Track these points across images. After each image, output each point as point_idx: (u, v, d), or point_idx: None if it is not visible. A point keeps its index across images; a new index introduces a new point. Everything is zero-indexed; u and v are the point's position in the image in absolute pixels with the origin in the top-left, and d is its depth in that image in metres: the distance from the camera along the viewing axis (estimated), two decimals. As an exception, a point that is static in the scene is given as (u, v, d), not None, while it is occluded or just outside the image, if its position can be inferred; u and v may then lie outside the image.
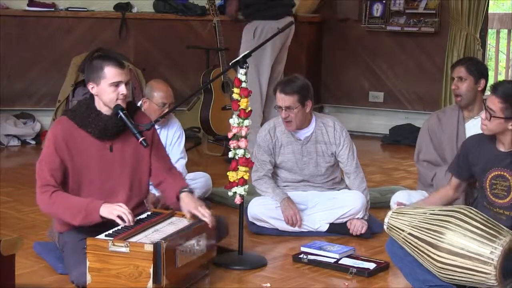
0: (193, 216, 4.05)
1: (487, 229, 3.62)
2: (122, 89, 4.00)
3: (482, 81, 4.89)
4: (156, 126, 4.60)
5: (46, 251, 4.38)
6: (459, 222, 3.66)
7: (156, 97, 5.15)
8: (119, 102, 4.01)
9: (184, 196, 4.10)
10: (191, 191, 4.16)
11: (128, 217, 3.88)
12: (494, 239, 3.59)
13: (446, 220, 3.68)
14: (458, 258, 3.62)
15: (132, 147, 4.12)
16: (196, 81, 7.42)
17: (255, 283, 4.13)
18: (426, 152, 5.05)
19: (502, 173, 3.95)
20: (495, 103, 3.89)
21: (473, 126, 4.81)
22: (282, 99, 4.85)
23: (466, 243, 3.61)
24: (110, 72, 3.99)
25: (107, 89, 4.00)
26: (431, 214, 3.76)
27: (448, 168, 4.35)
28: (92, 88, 4.04)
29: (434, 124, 5.05)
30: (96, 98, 4.07)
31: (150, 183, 4.30)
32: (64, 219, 4.01)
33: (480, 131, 4.08)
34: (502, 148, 3.98)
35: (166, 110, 5.04)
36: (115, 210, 3.89)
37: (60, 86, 7.38)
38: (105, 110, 4.06)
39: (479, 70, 4.91)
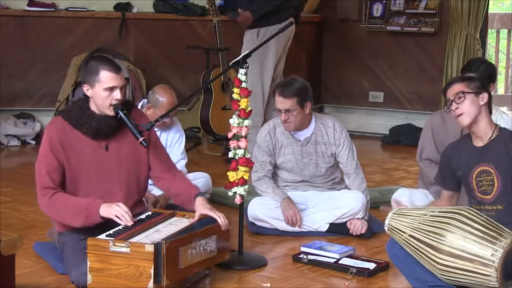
0: (202, 216, 4.06)
1: (487, 231, 3.61)
2: (117, 94, 3.97)
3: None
4: (156, 128, 4.60)
5: (46, 251, 4.38)
6: (459, 224, 3.65)
7: (162, 106, 5.04)
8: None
9: (199, 199, 4.11)
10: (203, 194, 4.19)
11: (125, 217, 3.88)
12: (495, 241, 3.58)
13: (446, 222, 3.67)
14: (459, 260, 3.61)
15: (128, 145, 4.10)
16: (196, 81, 7.43)
17: (255, 283, 4.13)
18: (429, 151, 5.04)
19: (484, 168, 3.99)
20: (458, 87, 4.00)
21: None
22: (281, 102, 4.84)
23: (466, 245, 3.60)
24: (106, 77, 3.95)
25: (102, 93, 3.96)
26: (431, 216, 3.75)
27: (435, 180, 4.33)
28: (87, 90, 4.02)
29: (438, 123, 5.03)
30: (90, 98, 4.06)
31: (151, 182, 4.30)
32: (65, 221, 4.00)
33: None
34: (479, 144, 4.02)
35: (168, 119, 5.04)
36: (113, 210, 3.89)
37: (60, 86, 7.40)
38: (99, 111, 4.04)
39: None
